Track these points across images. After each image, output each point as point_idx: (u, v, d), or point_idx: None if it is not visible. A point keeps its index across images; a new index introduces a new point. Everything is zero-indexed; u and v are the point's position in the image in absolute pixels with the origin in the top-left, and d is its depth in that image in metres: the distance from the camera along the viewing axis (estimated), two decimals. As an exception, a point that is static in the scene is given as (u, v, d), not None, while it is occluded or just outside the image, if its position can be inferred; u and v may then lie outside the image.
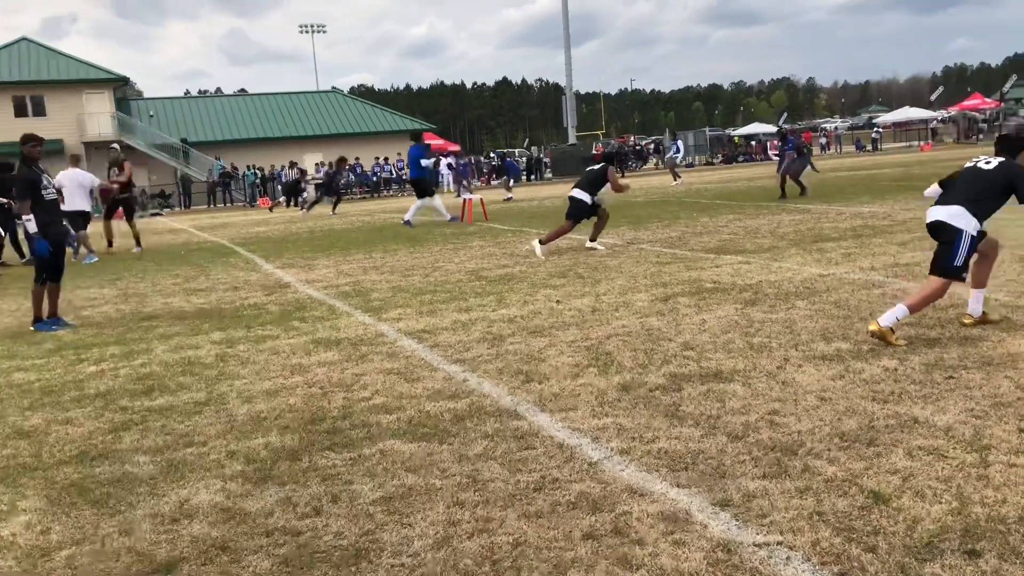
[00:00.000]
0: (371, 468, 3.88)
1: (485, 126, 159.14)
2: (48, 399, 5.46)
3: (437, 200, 17.83)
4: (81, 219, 14.65)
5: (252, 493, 3.69)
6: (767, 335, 5.82)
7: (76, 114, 41.97)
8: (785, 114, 72.25)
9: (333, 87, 62.26)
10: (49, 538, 3.37)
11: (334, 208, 25.26)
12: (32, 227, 7.80)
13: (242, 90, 70.09)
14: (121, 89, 47.54)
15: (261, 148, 45.48)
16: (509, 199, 25.28)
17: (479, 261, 10.77)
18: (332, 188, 25.85)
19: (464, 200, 18.28)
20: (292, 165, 36.32)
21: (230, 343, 6.78)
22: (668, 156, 37.71)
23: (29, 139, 7.95)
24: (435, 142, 53.56)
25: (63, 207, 12.40)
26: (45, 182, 8.05)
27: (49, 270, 7.99)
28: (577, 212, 10.92)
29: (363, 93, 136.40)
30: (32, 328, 7.96)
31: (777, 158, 21.51)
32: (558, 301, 7.56)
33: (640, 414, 4.37)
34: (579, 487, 3.49)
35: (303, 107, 50.66)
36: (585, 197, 10.90)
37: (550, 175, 46.20)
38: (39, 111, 41.89)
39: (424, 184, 17.88)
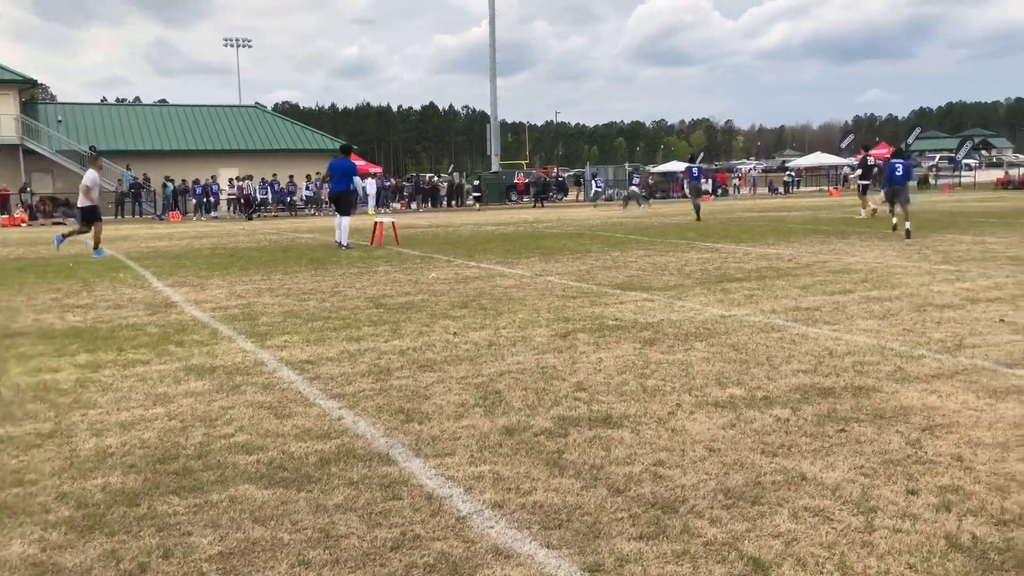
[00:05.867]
0: (215, 517, 3.49)
1: (411, 150, 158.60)
2: None
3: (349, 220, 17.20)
4: (89, 214, 16.30)
5: (74, 544, 3.26)
6: (662, 377, 5.63)
7: (-23, 114, 40.00)
8: (703, 154, 73.80)
9: (256, 102, 61.05)
10: None
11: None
12: None
13: (162, 100, 67.97)
14: (28, 91, 45.63)
15: (176, 160, 44.12)
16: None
17: (382, 287, 10.40)
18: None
19: (375, 223, 17.83)
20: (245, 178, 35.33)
21: (95, 367, 6.26)
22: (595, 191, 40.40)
23: None
24: (357, 163, 52.93)
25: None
26: None
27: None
28: None
29: (287, 110, 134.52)
30: None
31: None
32: (455, 333, 7.26)
33: (521, 461, 4.09)
34: (440, 546, 3.18)
35: (223, 121, 49.43)
36: None
37: (471, 201, 46.03)
38: (-62, 109, 39.82)
39: (348, 200, 17.02)
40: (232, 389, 5.55)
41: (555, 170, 63.41)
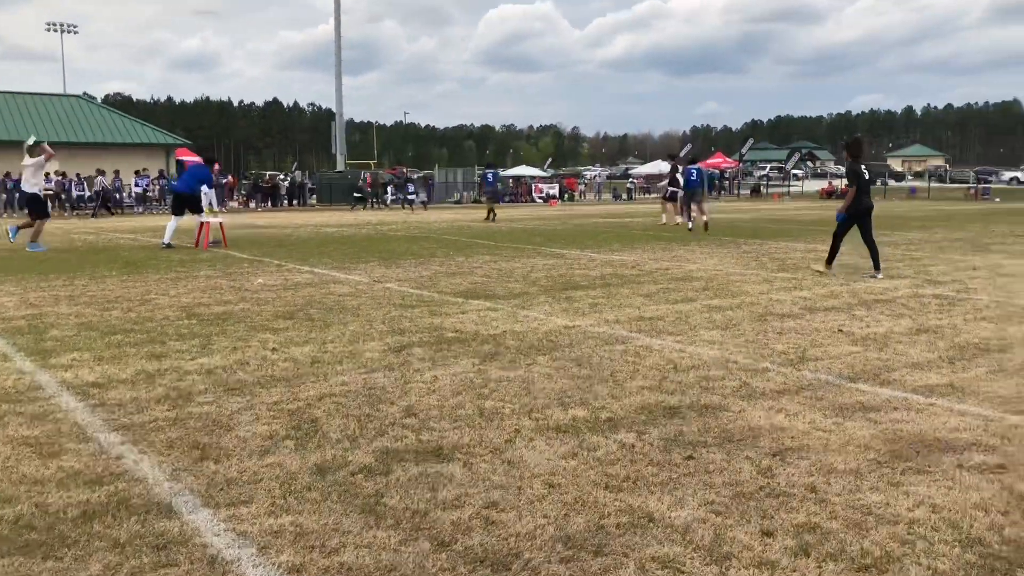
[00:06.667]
0: (-78, 605, 2.71)
1: (253, 147, 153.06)
2: None
3: (180, 221, 16.40)
4: (33, 203, 15.59)
5: None
6: (501, 398, 5.15)
7: None
8: (551, 159, 74.85)
9: (85, 93, 56.79)
10: None
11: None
12: None
13: (-28, 86, 61.87)
14: None
15: (-17, 151, 40.28)
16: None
17: (199, 295, 9.46)
18: None
19: (200, 223, 16.54)
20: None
21: None
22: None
23: None
24: (190, 159, 50.23)
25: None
26: None
27: None
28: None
29: (120, 103, 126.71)
30: None
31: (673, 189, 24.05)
32: (274, 349, 6.54)
33: (331, 509, 3.48)
34: (214, 634, 2.54)
35: (43, 111, 45.60)
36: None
37: (314, 201, 44.55)
38: None
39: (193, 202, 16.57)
40: (-8, 422, 4.64)
41: (405, 171, 62.45)
